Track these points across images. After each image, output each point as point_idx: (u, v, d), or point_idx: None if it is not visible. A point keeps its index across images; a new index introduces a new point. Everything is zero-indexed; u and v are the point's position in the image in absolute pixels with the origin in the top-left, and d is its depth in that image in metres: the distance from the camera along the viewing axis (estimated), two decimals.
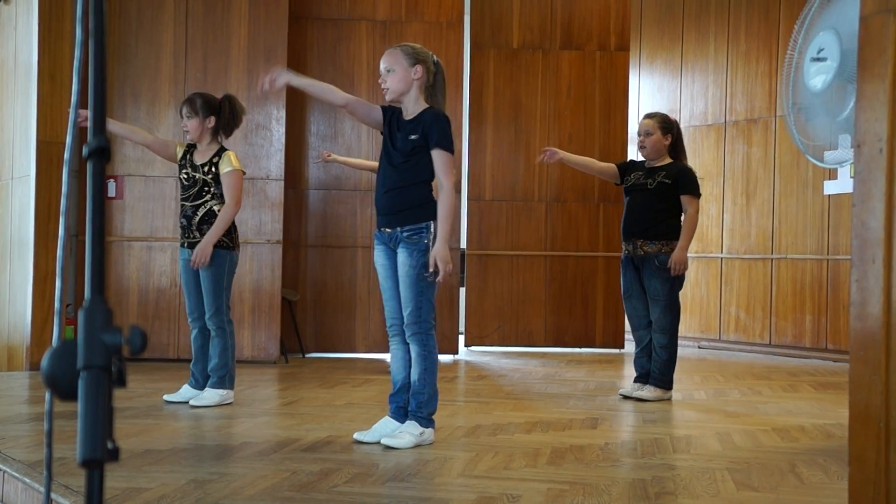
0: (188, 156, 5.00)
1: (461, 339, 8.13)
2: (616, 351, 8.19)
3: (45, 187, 6.43)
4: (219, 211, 4.91)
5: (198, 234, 4.90)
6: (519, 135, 8.28)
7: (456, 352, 7.66)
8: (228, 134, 5.06)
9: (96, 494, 1.21)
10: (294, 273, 7.56)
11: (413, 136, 3.88)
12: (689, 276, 8.37)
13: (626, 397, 5.40)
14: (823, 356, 7.86)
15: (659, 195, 5.35)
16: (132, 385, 5.34)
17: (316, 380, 6.10)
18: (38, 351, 6.37)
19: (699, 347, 8.83)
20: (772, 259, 8.37)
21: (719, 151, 8.86)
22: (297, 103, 7.49)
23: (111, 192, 6.88)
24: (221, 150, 4.97)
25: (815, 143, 7.33)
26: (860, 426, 2.17)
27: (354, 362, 7.15)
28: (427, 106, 3.93)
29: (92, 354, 1.20)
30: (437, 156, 3.86)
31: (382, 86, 3.94)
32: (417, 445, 3.85)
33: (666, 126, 5.44)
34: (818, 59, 6.97)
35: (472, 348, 8.17)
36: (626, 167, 5.63)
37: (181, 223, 4.99)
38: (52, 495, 2.96)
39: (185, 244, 4.98)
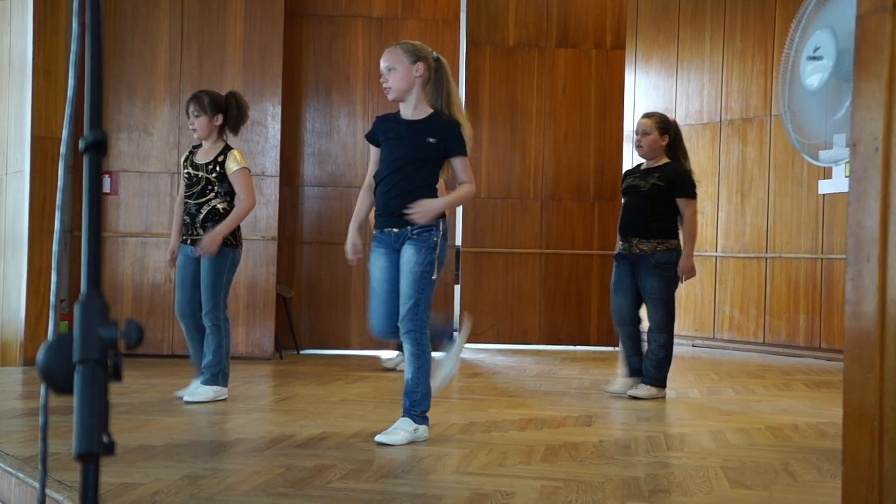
0: (190, 156, 5.00)
1: (456, 336, 8.10)
2: (610, 349, 8.19)
3: (39, 183, 6.42)
4: (222, 209, 4.90)
5: (201, 232, 4.90)
6: (515, 132, 8.28)
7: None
8: (236, 131, 5.02)
9: (91, 488, 1.21)
10: (289, 269, 7.55)
11: (431, 140, 3.88)
12: None
13: (617, 395, 5.40)
14: (817, 355, 7.88)
15: (653, 198, 5.34)
16: (126, 381, 5.33)
17: (310, 376, 6.10)
18: (32, 346, 6.36)
19: (693, 346, 8.84)
20: (766, 258, 8.38)
21: (714, 150, 8.86)
22: (292, 100, 7.48)
23: (106, 187, 6.86)
24: (227, 149, 4.95)
25: (810, 142, 7.35)
26: (854, 425, 2.18)
27: (349, 359, 7.15)
28: (432, 110, 3.96)
29: (88, 348, 1.20)
30: (458, 162, 3.94)
31: (384, 85, 3.93)
32: (411, 442, 3.86)
33: (663, 126, 5.44)
34: (814, 58, 6.98)
35: (467, 345, 8.15)
36: (626, 173, 5.66)
37: (184, 220, 4.98)
38: (47, 490, 2.96)
39: (188, 241, 4.97)
